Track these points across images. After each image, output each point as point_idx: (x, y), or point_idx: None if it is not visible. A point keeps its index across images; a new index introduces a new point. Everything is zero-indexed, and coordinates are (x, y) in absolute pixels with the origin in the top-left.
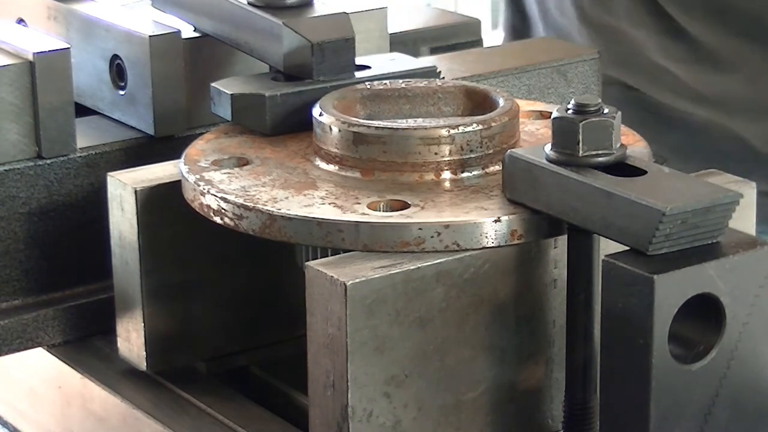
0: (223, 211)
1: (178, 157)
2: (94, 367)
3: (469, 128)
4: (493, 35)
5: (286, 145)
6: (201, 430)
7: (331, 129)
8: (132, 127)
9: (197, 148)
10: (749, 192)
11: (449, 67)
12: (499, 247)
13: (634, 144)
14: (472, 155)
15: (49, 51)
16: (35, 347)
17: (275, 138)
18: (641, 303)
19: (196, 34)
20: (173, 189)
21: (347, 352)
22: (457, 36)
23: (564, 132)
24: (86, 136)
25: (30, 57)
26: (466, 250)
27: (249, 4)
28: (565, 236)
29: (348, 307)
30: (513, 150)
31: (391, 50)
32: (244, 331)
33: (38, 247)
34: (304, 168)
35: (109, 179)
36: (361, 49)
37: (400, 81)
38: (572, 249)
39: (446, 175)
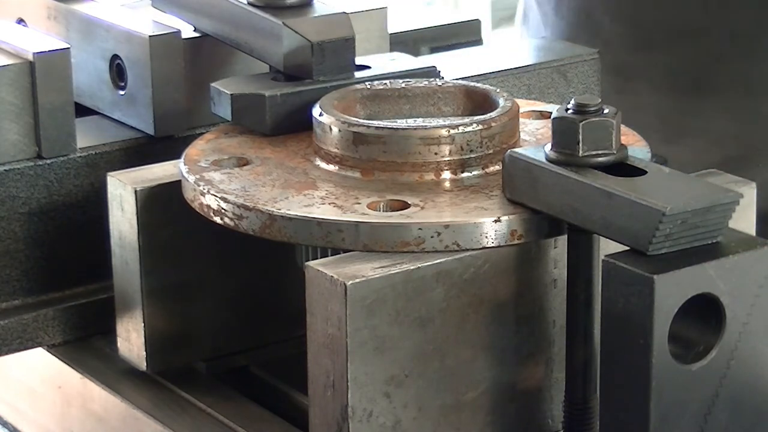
0: (223, 211)
1: (178, 157)
2: (94, 367)
3: (469, 128)
4: (494, 35)
5: (286, 145)
6: (201, 430)
7: (331, 129)
8: (132, 127)
9: (197, 148)
10: (749, 192)
11: (449, 67)
12: (499, 247)
13: (634, 144)
14: (472, 155)
15: (49, 51)
16: (35, 347)
17: (275, 138)
18: (641, 303)
19: (196, 34)
20: (173, 189)
21: (347, 352)
22: (457, 36)
23: (564, 132)
24: (86, 136)
25: (30, 57)
26: (466, 250)
27: (249, 4)
28: (565, 236)
29: (348, 307)
30: (513, 150)
31: (391, 50)
32: (244, 331)
33: (38, 247)
34: (304, 168)
35: (109, 179)
36: (361, 49)
37: (400, 81)
38: (572, 249)
39: (446, 175)
